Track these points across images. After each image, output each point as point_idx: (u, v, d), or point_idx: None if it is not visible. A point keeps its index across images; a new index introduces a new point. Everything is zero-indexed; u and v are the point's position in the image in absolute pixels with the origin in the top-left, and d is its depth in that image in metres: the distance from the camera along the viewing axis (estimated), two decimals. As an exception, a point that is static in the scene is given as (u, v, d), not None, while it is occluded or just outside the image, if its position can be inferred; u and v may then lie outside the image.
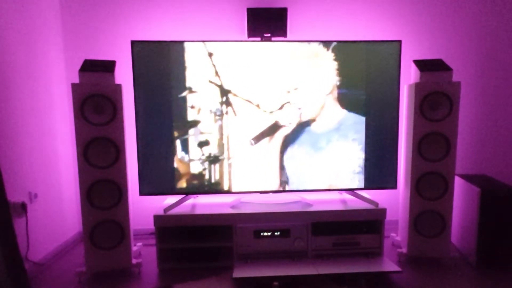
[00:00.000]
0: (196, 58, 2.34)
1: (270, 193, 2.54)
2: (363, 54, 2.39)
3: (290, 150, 2.42)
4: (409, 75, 2.50)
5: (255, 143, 2.32)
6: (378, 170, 2.53)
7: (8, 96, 2.14)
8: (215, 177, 2.44)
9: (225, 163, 2.44)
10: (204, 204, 2.56)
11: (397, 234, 2.71)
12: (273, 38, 2.66)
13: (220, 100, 2.37)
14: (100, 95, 2.10)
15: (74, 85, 2.08)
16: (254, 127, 2.39)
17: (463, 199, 2.47)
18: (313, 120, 2.39)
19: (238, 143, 2.41)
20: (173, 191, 2.46)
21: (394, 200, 2.86)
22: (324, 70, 2.35)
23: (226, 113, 2.38)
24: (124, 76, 2.70)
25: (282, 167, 2.44)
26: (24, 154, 2.28)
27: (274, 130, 2.36)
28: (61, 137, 2.75)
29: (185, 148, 2.40)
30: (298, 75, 2.36)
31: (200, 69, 2.35)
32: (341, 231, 2.42)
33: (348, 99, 2.39)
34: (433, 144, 2.28)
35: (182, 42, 2.33)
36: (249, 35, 2.66)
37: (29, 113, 2.35)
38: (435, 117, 2.27)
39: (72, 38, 2.78)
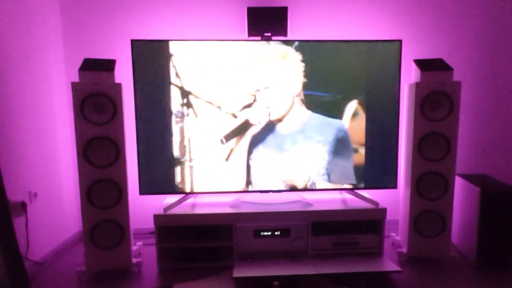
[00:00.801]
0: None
1: (270, 193, 2.54)
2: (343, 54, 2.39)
3: (256, 151, 2.41)
4: (409, 75, 2.50)
5: (226, 142, 2.32)
6: (378, 169, 2.52)
7: (8, 95, 2.14)
8: (177, 179, 2.43)
9: (187, 165, 2.42)
10: (204, 203, 2.56)
11: (397, 234, 2.71)
12: (273, 37, 2.65)
13: (181, 101, 2.35)
14: (100, 94, 2.10)
15: (74, 84, 2.07)
16: (217, 129, 2.37)
17: (463, 199, 2.47)
18: (279, 120, 2.38)
19: (201, 145, 2.39)
20: (173, 191, 2.46)
21: (394, 200, 2.86)
22: (292, 70, 2.34)
23: (187, 115, 2.37)
24: (124, 75, 2.70)
25: (248, 167, 2.42)
26: (24, 153, 2.28)
27: (245, 129, 2.35)
28: (61, 136, 2.74)
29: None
30: (268, 75, 2.34)
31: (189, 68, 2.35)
32: (341, 231, 2.42)
33: (312, 100, 2.38)
34: (434, 144, 2.28)
35: (182, 41, 2.33)
36: (250, 35, 2.66)
37: (29, 112, 2.34)
38: (436, 116, 2.26)
39: (72, 37, 2.78)
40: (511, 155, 2.90)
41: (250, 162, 2.42)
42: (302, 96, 2.34)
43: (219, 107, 2.33)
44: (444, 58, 2.85)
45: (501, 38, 2.85)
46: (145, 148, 2.39)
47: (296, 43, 2.35)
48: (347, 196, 2.71)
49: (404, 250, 2.44)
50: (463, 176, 2.58)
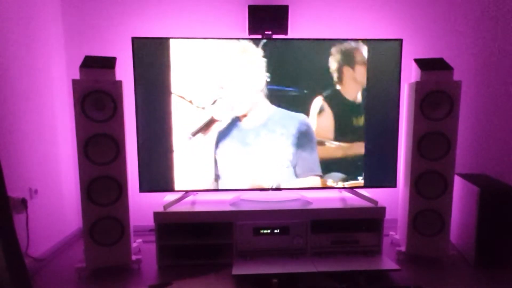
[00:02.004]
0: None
1: (270, 191, 2.54)
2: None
3: (222, 145, 2.42)
4: (409, 74, 2.50)
5: (193, 137, 2.33)
6: (377, 168, 2.53)
7: (9, 92, 2.14)
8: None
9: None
10: (204, 201, 2.57)
11: (396, 232, 2.71)
12: (274, 36, 2.65)
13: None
14: (101, 92, 2.10)
15: (74, 81, 2.08)
16: (188, 123, 2.39)
17: (462, 198, 2.48)
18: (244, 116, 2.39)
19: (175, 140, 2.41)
20: (173, 188, 2.46)
21: (394, 199, 2.86)
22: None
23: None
24: (124, 72, 2.70)
25: (216, 161, 2.43)
26: (25, 150, 2.28)
27: (210, 125, 2.37)
28: (62, 134, 2.75)
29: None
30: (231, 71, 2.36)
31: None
32: (341, 229, 2.42)
33: (276, 95, 2.38)
34: (433, 143, 2.28)
35: (183, 39, 2.33)
36: (250, 33, 2.66)
37: (30, 109, 2.35)
38: (436, 116, 2.27)
39: (73, 35, 2.78)
40: (510, 154, 2.90)
41: (217, 157, 2.42)
42: (265, 91, 2.35)
43: (190, 102, 2.34)
44: (445, 57, 2.85)
45: (502, 37, 2.85)
46: (145, 146, 2.39)
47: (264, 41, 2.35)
48: (347, 194, 2.71)
49: (403, 248, 2.45)
50: (463, 175, 2.59)
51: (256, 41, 2.36)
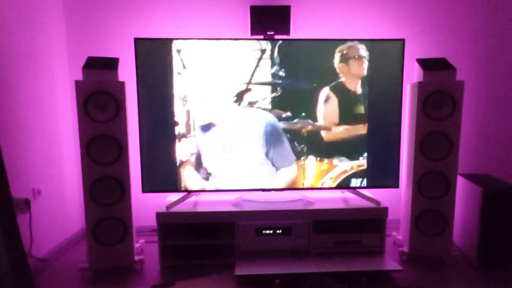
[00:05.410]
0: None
1: (272, 191, 2.54)
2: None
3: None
4: (412, 74, 2.50)
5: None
6: (380, 169, 2.53)
7: (12, 93, 2.15)
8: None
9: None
10: (206, 201, 2.57)
11: (399, 233, 2.71)
12: (276, 36, 2.65)
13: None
14: (103, 92, 2.10)
15: (77, 82, 2.08)
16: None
17: (465, 198, 2.47)
18: None
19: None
20: (175, 189, 2.47)
21: (396, 199, 2.85)
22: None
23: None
24: (127, 73, 2.70)
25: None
26: (28, 150, 2.29)
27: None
28: (65, 134, 2.76)
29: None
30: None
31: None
32: (343, 230, 2.42)
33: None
34: (436, 143, 2.28)
35: (185, 39, 2.34)
36: (252, 33, 2.66)
37: (33, 110, 2.36)
38: (438, 116, 2.26)
39: (75, 36, 2.79)
40: (513, 154, 2.89)
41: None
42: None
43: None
44: (448, 57, 2.84)
45: (504, 37, 2.84)
46: (147, 146, 2.40)
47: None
48: (349, 195, 2.71)
49: (405, 249, 2.45)
50: (465, 175, 2.58)
51: (273, 42, 2.39)
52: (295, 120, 2.45)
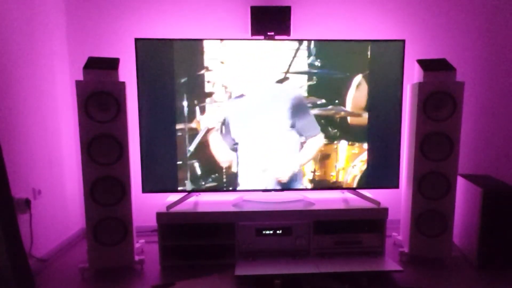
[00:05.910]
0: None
1: (273, 192, 2.54)
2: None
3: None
4: (412, 75, 2.50)
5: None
6: (380, 169, 2.53)
7: (12, 93, 2.16)
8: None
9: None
10: (207, 202, 2.57)
11: (399, 233, 2.71)
12: (276, 37, 2.66)
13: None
14: (104, 93, 2.11)
15: (78, 83, 2.09)
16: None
17: (465, 199, 2.47)
18: None
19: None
20: (176, 189, 2.47)
21: (396, 200, 2.85)
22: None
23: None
24: (127, 73, 2.71)
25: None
26: (28, 150, 2.30)
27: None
28: (65, 134, 2.76)
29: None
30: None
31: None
32: (343, 230, 2.42)
33: None
34: (436, 144, 2.28)
35: (185, 40, 2.34)
36: (253, 34, 2.66)
37: (33, 110, 2.36)
38: (438, 116, 2.26)
39: (76, 36, 2.79)
40: (514, 155, 2.89)
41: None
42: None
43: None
44: (448, 57, 2.84)
45: (504, 38, 2.84)
46: (148, 147, 2.40)
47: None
48: (349, 195, 2.71)
49: (405, 249, 2.45)
50: (466, 176, 2.58)
51: (309, 41, 2.44)
52: (330, 107, 2.47)
